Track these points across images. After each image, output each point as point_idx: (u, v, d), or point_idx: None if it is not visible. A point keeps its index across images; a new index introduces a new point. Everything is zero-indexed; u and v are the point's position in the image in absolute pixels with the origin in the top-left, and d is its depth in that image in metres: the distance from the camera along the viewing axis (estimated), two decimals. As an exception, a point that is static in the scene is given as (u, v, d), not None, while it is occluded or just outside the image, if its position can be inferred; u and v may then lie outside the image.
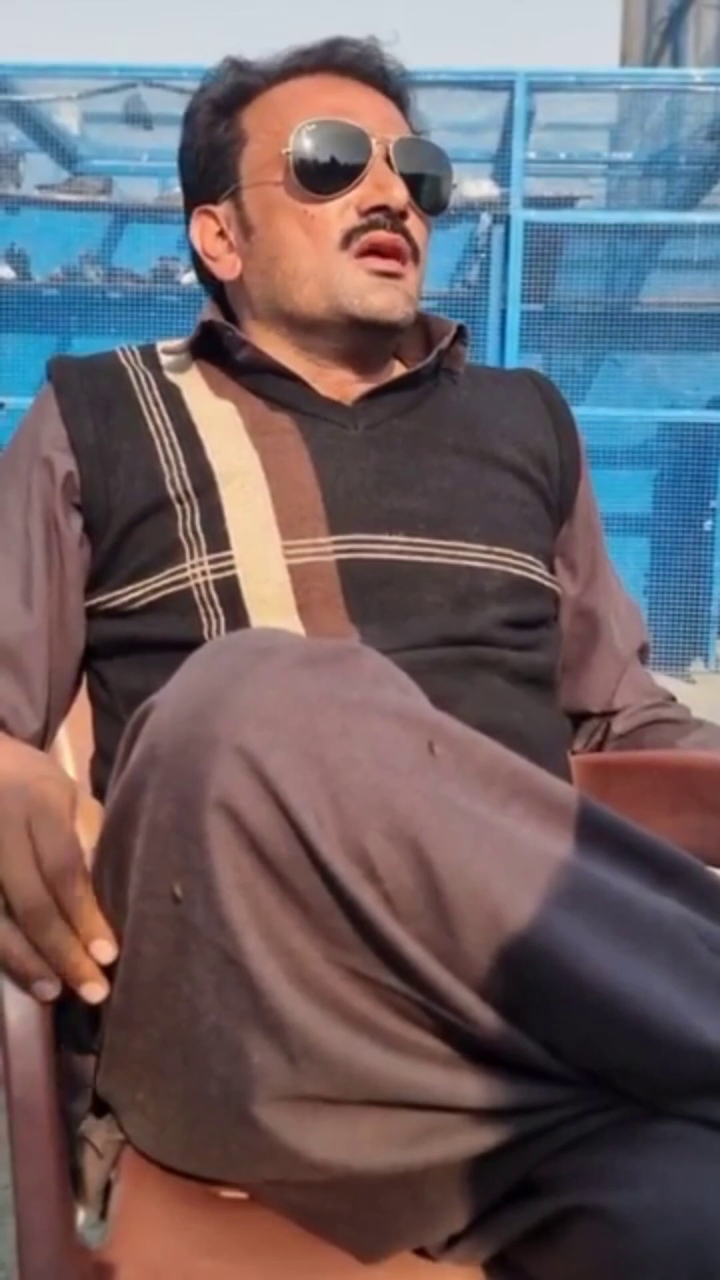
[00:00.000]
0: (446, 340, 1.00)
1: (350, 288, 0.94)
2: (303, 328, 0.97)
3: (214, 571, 0.89)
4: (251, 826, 0.58)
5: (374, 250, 0.95)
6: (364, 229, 0.95)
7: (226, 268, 1.01)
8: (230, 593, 0.88)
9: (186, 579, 0.89)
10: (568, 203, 5.68)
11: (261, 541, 0.89)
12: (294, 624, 0.87)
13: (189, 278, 4.82)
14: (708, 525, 5.74)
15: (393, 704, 0.62)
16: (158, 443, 0.94)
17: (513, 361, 5.23)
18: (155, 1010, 0.64)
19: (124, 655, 0.93)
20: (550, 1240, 0.61)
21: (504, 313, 5.38)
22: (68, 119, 5.80)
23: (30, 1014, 0.66)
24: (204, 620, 0.88)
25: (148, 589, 0.90)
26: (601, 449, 5.32)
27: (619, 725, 1.09)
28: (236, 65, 1.01)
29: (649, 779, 1.01)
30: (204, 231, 1.02)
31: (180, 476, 0.92)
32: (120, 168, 5.98)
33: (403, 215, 0.95)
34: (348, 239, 0.95)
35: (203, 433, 0.94)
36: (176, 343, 1.01)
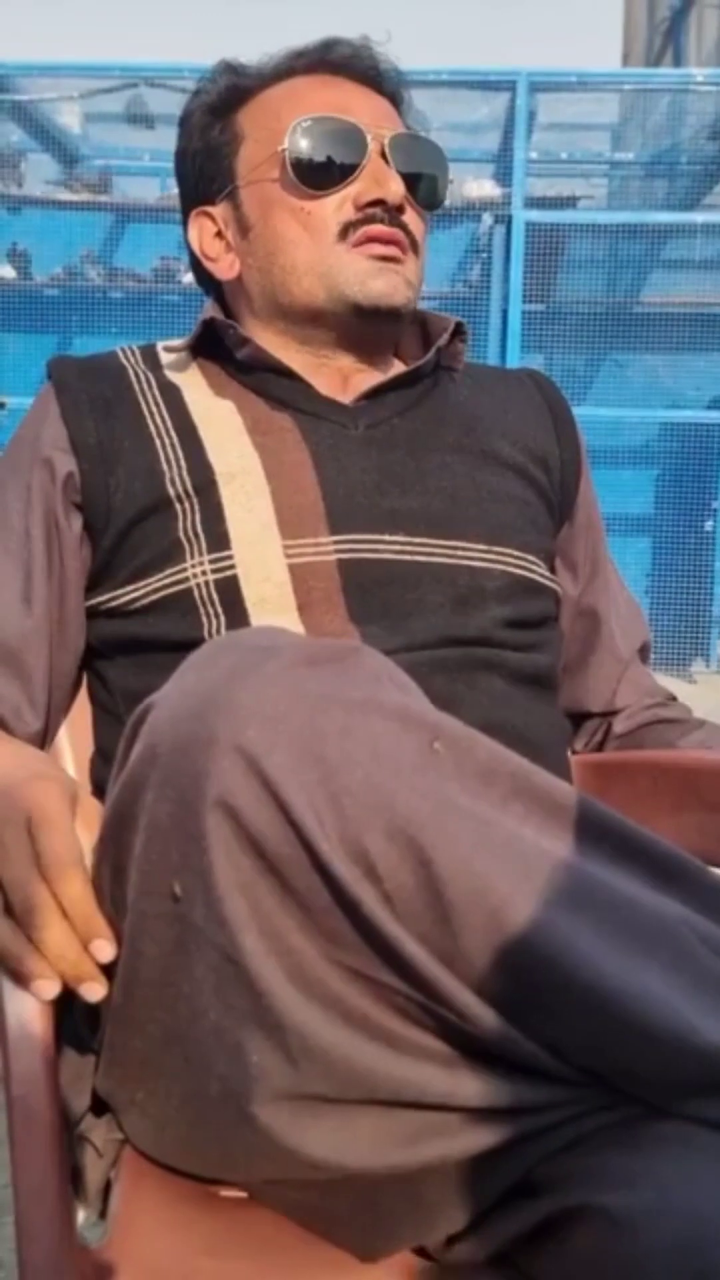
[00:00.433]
0: (445, 337, 1.00)
1: (350, 274, 0.94)
2: (302, 320, 0.97)
3: (214, 571, 0.89)
4: (251, 826, 0.58)
5: (372, 239, 0.95)
6: (361, 222, 0.95)
7: (225, 268, 1.01)
8: (230, 592, 0.88)
9: (187, 579, 0.89)
10: (569, 203, 5.69)
11: (262, 541, 0.89)
12: (294, 624, 0.87)
13: (190, 278, 4.81)
14: (709, 525, 5.75)
15: (394, 704, 0.62)
16: (158, 442, 0.94)
17: (514, 361, 5.24)
18: (155, 1009, 0.64)
19: (124, 655, 0.93)
20: (549, 1240, 0.61)
21: (505, 313, 5.38)
22: (69, 119, 5.80)
23: (30, 1013, 0.66)
24: (204, 620, 0.88)
25: (148, 589, 0.90)
26: (603, 449, 5.32)
27: (620, 725, 1.09)
28: (230, 68, 1.01)
29: (650, 779, 1.01)
30: (202, 233, 1.02)
31: (180, 476, 0.92)
32: (122, 167, 5.99)
33: (400, 210, 0.96)
34: (344, 231, 0.95)
35: (203, 432, 0.94)
36: (177, 342, 1.01)
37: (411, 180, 0.97)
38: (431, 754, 0.60)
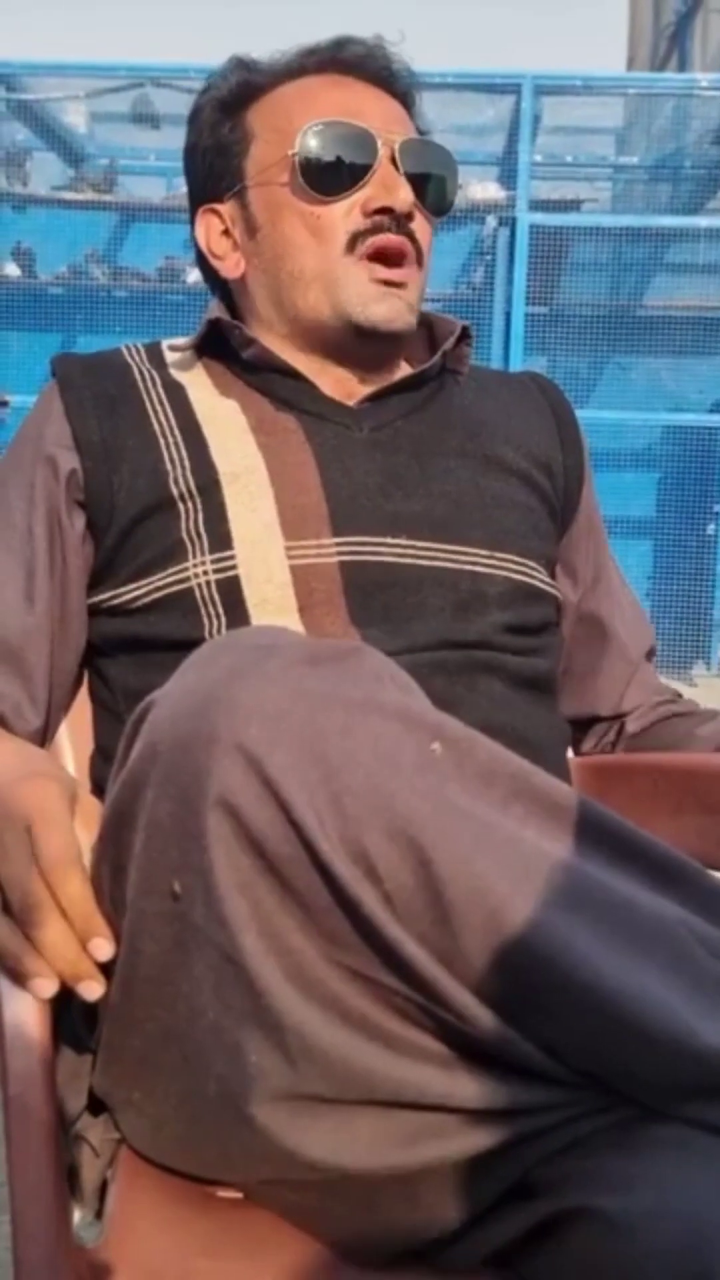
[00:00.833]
0: (451, 341, 1.00)
1: (354, 295, 0.95)
2: (306, 329, 0.98)
3: (216, 571, 0.89)
4: (251, 825, 0.58)
5: (380, 255, 0.95)
6: (369, 231, 0.94)
7: (231, 266, 1.01)
8: (232, 593, 0.88)
9: (188, 578, 0.89)
10: (573, 206, 5.70)
11: (264, 542, 0.89)
12: (295, 625, 0.87)
13: (194, 277, 4.82)
14: (710, 529, 5.75)
15: (394, 704, 0.62)
16: (162, 441, 0.94)
17: (517, 364, 5.24)
18: (154, 1008, 0.64)
19: (125, 653, 0.93)
20: (547, 1242, 0.61)
21: (509, 315, 5.39)
22: (75, 118, 5.81)
23: (28, 1012, 0.66)
24: (205, 620, 0.88)
25: (150, 587, 0.90)
26: (605, 452, 5.33)
27: (633, 724, 1.09)
28: (242, 64, 1.01)
29: (649, 781, 1.01)
30: (209, 230, 1.02)
31: (184, 475, 0.92)
32: (127, 167, 5.99)
33: (408, 217, 0.95)
34: (353, 242, 0.95)
35: (207, 432, 0.94)
36: (182, 341, 1.01)
37: (420, 183, 0.97)
38: (432, 754, 0.60)
